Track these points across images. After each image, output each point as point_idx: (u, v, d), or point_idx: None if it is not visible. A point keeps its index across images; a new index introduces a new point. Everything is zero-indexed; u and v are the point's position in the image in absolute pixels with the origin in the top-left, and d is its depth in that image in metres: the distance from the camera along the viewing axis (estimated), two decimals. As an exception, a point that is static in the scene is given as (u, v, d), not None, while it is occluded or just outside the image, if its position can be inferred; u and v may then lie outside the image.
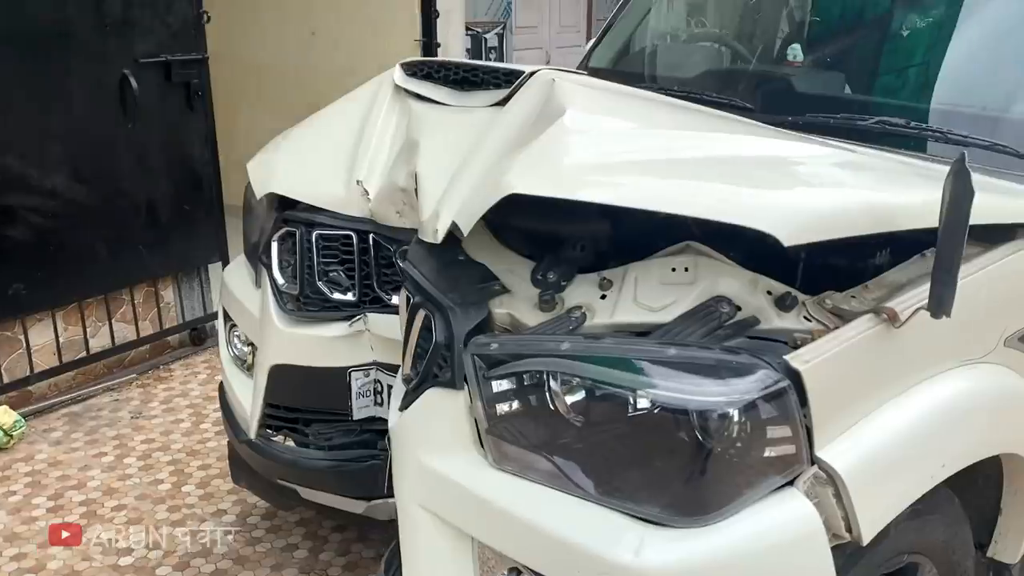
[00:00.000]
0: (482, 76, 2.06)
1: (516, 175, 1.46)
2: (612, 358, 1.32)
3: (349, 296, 2.05)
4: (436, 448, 1.50)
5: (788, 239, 1.28)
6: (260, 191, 2.13)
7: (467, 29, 5.59)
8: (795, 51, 2.55)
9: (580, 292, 1.55)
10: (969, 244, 1.29)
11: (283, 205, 2.15)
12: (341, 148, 2.13)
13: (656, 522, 1.28)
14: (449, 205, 1.63)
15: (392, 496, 2.09)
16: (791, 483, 1.29)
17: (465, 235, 1.56)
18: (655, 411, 1.26)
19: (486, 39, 5.98)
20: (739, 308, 1.45)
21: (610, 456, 1.32)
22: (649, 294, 1.48)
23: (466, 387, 1.44)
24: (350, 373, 2.07)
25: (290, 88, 5.34)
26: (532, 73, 1.93)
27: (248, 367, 2.36)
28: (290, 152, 2.21)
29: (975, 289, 1.47)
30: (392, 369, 2.04)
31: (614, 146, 1.64)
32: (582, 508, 1.33)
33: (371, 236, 2.01)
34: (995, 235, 1.57)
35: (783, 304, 1.44)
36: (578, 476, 1.35)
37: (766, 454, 1.27)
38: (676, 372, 1.28)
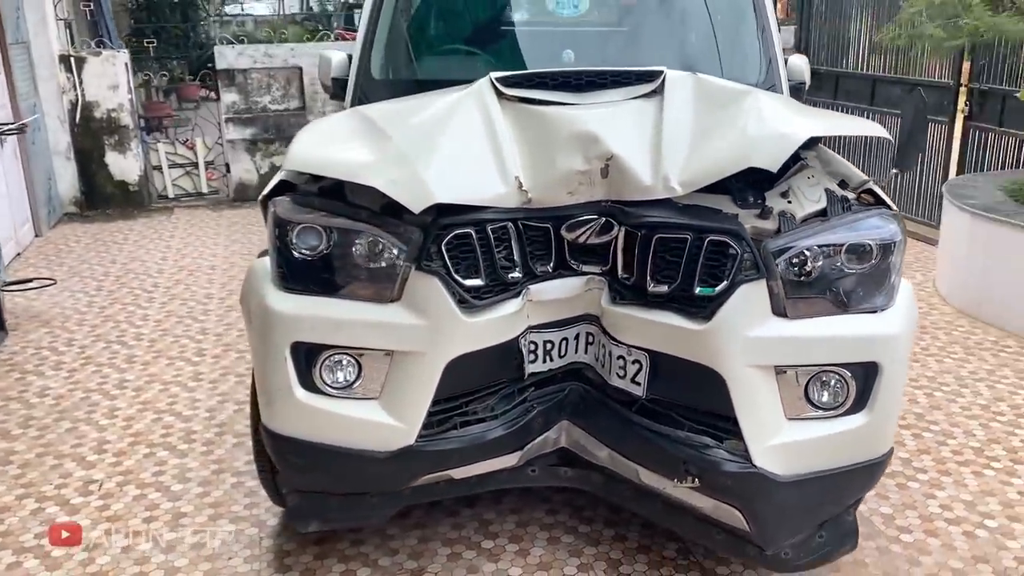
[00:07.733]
0: (609, 79, 2.63)
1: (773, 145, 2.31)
2: (854, 222, 2.32)
3: (518, 274, 2.39)
4: (755, 321, 2.25)
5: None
6: (420, 204, 2.24)
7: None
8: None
9: (774, 203, 2.39)
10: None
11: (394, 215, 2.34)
12: (474, 156, 2.40)
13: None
14: (673, 169, 2.30)
15: (541, 435, 2.53)
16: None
17: (688, 191, 2.29)
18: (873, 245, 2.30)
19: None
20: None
21: (858, 278, 2.31)
22: (810, 193, 2.43)
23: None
24: (518, 340, 2.41)
25: None
26: (659, 73, 2.63)
27: (352, 389, 2.36)
28: (427, 167, 2.32)
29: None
30: (540, 328, 2.46)
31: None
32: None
33: (519, 222, 2.39)
34: None
35: (845, 186, 2.56)
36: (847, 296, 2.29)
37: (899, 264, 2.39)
38: (878, 221, 2.34)
